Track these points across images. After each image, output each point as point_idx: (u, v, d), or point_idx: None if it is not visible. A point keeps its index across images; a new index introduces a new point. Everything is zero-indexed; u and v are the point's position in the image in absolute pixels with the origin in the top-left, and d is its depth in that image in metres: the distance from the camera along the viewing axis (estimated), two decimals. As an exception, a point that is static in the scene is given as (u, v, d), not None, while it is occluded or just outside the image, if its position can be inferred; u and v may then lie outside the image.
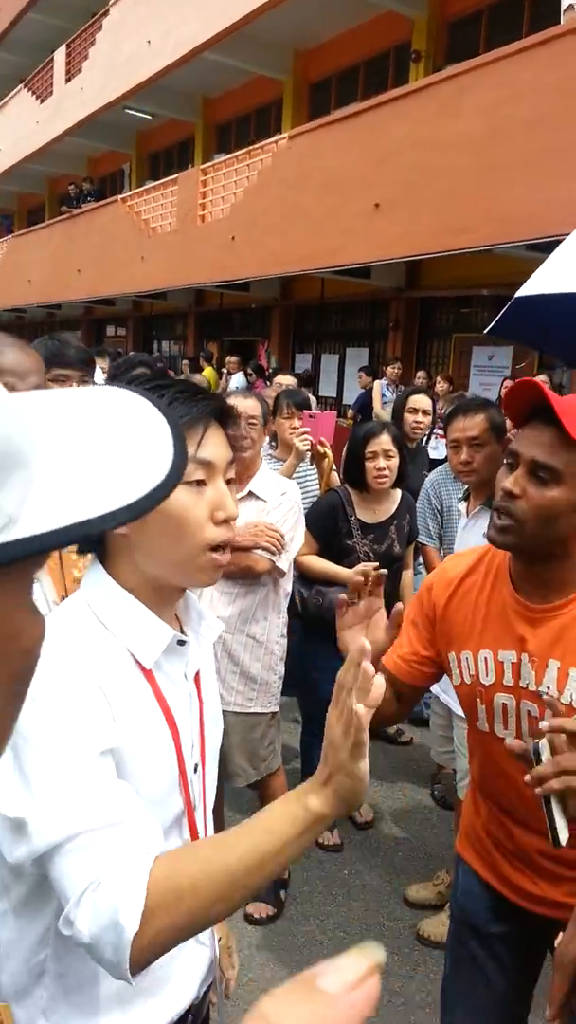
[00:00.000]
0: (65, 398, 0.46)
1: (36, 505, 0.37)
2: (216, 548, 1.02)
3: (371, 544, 3.21)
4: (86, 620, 1.01)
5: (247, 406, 2.70)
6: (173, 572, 1.03)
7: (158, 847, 0.90)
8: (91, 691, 0.94)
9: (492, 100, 7.90)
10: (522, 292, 2.62)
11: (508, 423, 3.17)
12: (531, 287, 2.61)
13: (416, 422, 4.15)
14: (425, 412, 4.16)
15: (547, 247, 8.12)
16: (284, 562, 2.80)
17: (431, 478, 3.73)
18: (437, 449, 8.29)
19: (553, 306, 2.61)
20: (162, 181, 15.02)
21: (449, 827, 3.48)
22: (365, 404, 9.65)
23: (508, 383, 8.27)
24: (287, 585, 2.94)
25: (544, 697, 1.30)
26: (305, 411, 3.65)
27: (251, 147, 12.56)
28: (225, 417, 1.05)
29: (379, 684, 0.89)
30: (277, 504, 2.77)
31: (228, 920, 1.30)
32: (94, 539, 1.03)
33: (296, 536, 2.92)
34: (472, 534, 2.83)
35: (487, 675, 1.45)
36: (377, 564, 3.09)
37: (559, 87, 7.23)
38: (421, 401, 4.18)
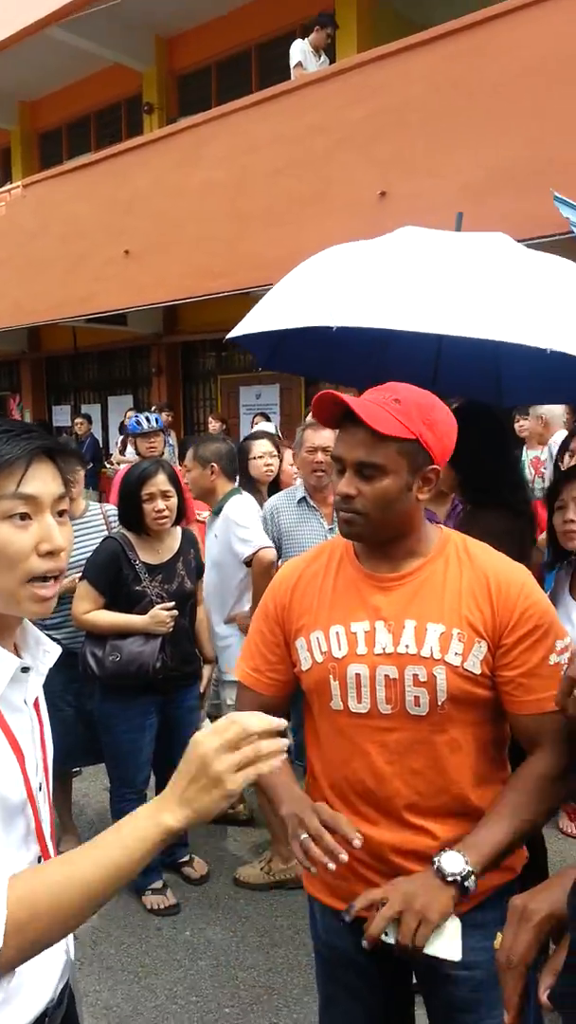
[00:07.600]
0: None
1: None
2: (39, 579, 1.06)
3: (161, 585, 3.07)
4: None
5: None
6: (2, 602, 1.07)
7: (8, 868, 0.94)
8: None
9: (230, 151, 8.21)
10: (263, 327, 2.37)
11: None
12: (271, 321, 2.35)
13: (267, 464, 4.29)
14: (272, 455, 4.31)
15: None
16: None
17: (271, 503, 3.62)
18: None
19: (324, 337, 2.30)
20: None
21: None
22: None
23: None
24: None
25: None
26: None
27: (-19, 196, 12.03)
28: (55, 453, 1.10)
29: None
30: None
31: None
32: None
33: None
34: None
35: (339, 648, 1.50)
36: (173, 604, 3.04)
37: (292, 138, 7.67)
38: (265, 446, 4.34)
